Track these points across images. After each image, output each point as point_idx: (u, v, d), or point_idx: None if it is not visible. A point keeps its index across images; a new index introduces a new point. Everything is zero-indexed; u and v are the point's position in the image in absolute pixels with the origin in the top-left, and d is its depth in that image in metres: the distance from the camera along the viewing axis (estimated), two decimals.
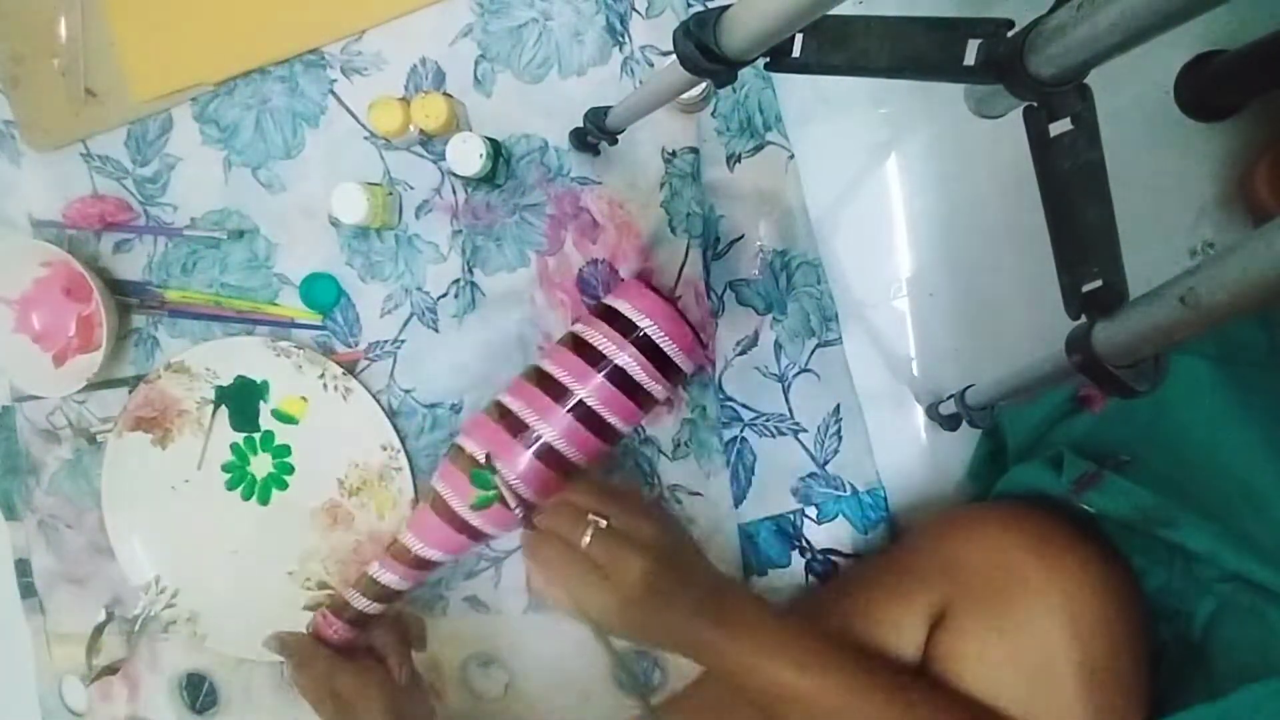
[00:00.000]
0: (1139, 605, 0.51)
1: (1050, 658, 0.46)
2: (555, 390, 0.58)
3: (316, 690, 0.60)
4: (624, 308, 0.58)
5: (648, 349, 0.57)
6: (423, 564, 0.61)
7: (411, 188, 0.70)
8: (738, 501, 0.68)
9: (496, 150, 0.66)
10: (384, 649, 0.63)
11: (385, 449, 0.71)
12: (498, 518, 0.58)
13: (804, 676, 0.46)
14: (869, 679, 0.46)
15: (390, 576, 0.61)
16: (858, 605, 0.55)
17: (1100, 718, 0.46)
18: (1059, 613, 0.47)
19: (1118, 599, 0.49)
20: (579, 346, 0.59)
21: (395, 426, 0.71)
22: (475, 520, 0.59)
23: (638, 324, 0.57)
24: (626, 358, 0.57)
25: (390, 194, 0.70)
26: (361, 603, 0.62)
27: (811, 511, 0.68)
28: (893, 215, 0.68)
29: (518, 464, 0.57)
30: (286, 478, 0.74)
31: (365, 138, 0.71)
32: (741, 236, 0.67)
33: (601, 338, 0.58)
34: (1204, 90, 0.61)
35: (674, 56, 0.42)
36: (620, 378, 0.57)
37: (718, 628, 0.47)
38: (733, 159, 0.67)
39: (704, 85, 0.61)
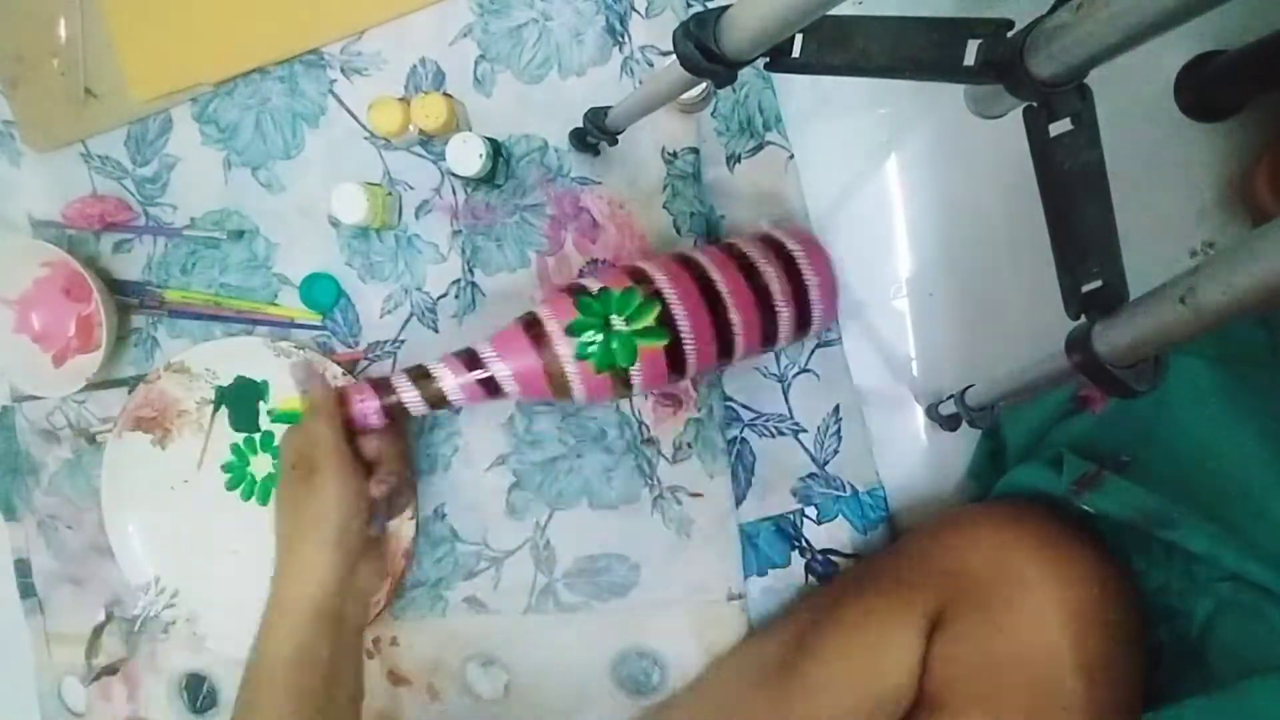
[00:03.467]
0: (1137, 604, 0.51)
1: (1050, 658, 0.46)
2: (699, 275, 0.55)
3: (299, 448, 0.56)
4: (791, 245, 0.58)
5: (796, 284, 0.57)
6: (488, 386, 0.55)
7: (411, 188, 0.70)
8: (738, 502, 0.68)
9: (496, 150, 0.66)
10: (378, 457, 0.58)
11: None
12: (589, 380, 0.54)
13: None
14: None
15: (450, 380, 0.55)
16: (857, 608, 0.55)
17: (1099, 717, 0.46)
18: (1058, 613, 0.47)
19: (1116, 598, 0.49)
20: (731, 251, 0.57)
21: None
22: (570, 368, 0.54)
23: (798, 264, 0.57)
24: (774, 273, 0.56)
25: (390, 194, 0.70)
26: (407, 392, 0.56)
27: (811, 512, 0.68)
28: (893, 215, 0.68)
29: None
30: None
31: (365, 138, 0.71)
32: None
33: (757, 253, 0.57)
34: (1204, 90, 0.61)
35: (674, 56, 0.42)
36: (762, 291, 0.56)
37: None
38: (733, 159, 0.67)
39: (704, 85, 0.61)
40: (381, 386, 0.56)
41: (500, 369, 0.55)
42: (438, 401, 0.56)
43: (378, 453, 0.58)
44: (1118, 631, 0.48)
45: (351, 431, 0.57)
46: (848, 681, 0.52)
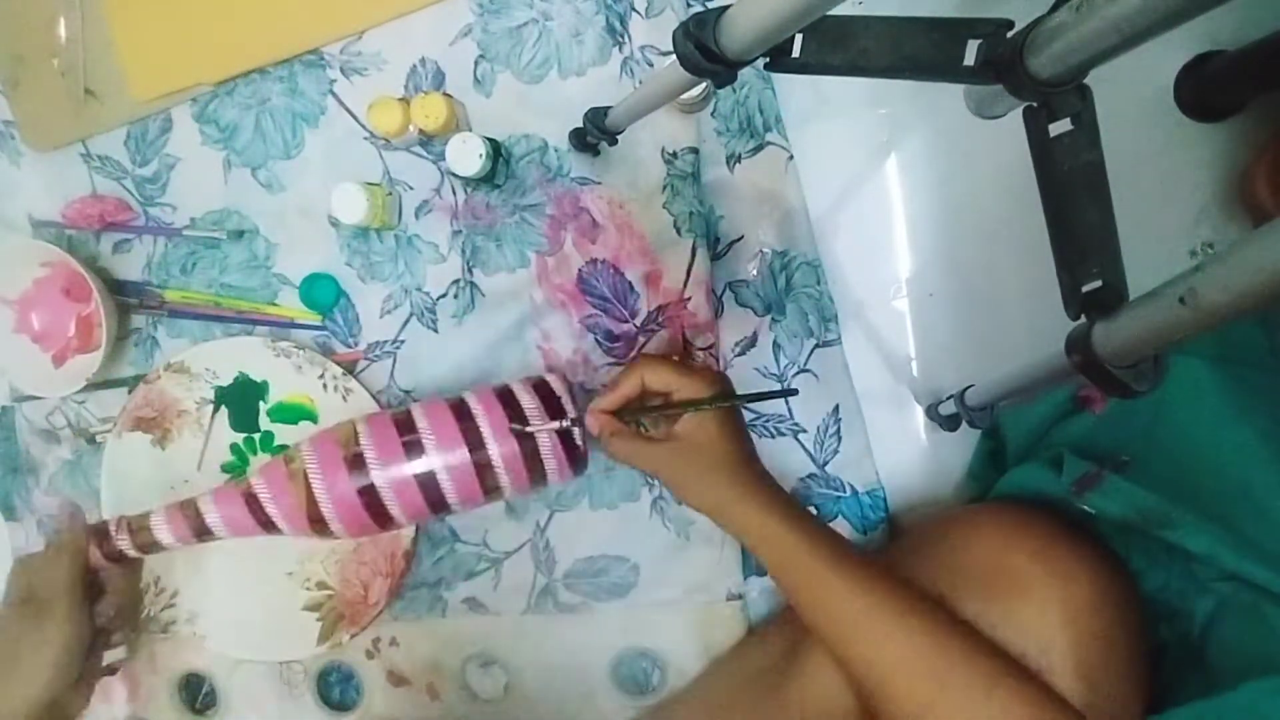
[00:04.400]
0: (1137, 606, 0.51)
1: (1050, 660, 0.46)
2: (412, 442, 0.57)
3: (32, 585, 0.56)
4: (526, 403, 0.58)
5: (528, 451, 0.57)
6: (202, 532, 0.59)
7: (411, 188, 0.70)
8: None
9: (496, 150, 0.66)
10: (109, 589, 0.60)
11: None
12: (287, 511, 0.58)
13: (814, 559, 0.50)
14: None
15: (165, 532, 0.59)
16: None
17: (1098, 718, 0.46)
18: (1058, 613, 0.47)
19: (1117, 600, 0.49)
20: (461, 415, 0.58)
21: None
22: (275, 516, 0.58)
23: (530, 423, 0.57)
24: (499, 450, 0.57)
25: (390, 194, 0.70)
26: (124, 543, 0.59)
27: (811, 512, 0.68)
28: (893, 215, 0.68)
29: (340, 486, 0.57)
30: None
31: (365, 138, 0.71)
32: (741, 237, 0.67)
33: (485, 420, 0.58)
34: (1204, 90, 0.61)
35: (674, 56, 0.42)
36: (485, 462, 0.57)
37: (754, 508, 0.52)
38: (733, 159, 0.67)
39: (704, 85, 0.61)
40: (138, 525, 0.59)
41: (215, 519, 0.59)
42: (148, 548, 0.59)
43: (109, 605, 0.60)
44: (1118, 632, 0.48)
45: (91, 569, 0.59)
46: (843, 679, 0.52)
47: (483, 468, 0.57)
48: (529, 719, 0.72)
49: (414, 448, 0.57)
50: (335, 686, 0.77)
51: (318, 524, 0.57)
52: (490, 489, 0.58)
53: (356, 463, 0.57)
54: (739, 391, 0.56)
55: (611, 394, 0.56)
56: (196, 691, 0.79)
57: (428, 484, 0.57)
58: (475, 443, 0.57)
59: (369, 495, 0.57)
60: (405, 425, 0.58)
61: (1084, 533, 0.52)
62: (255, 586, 0.74)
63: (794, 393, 0.66)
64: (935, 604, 0.49)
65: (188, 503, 0.60)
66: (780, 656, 0.59)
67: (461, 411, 0.58)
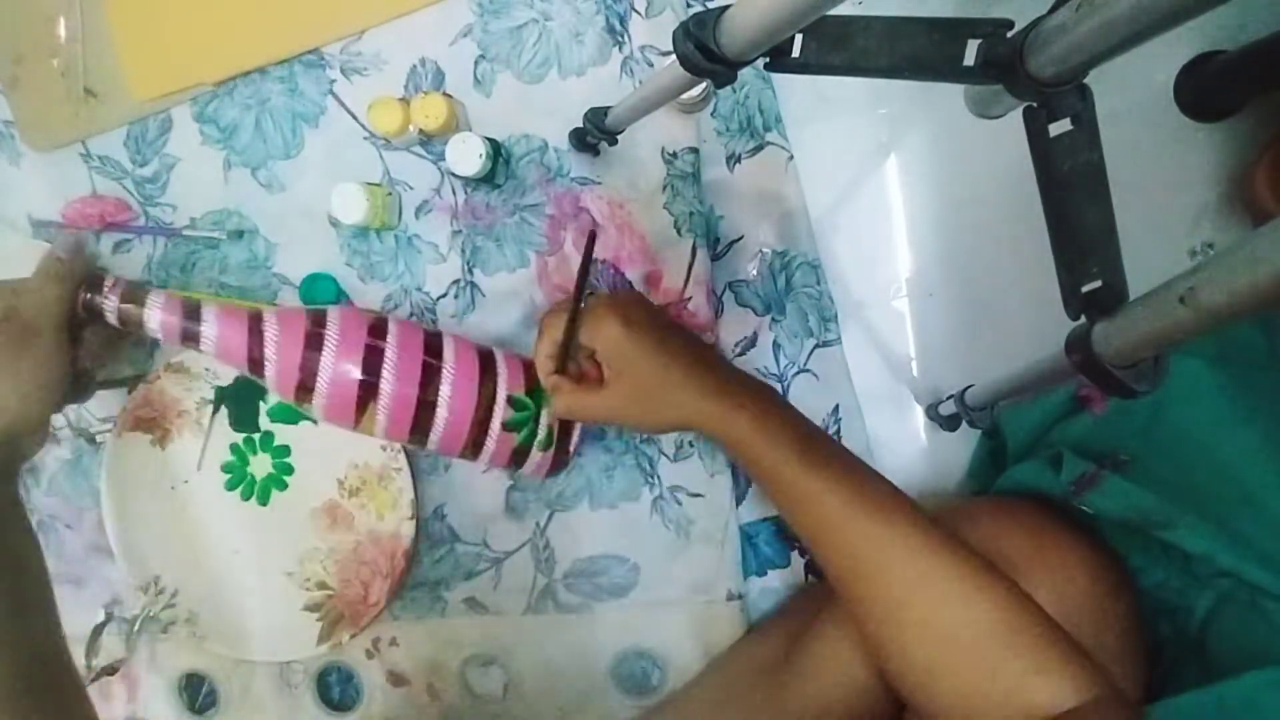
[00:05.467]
0: (1131, 595, 0.51)
1: None
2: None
3: (12, 304, 0.54)
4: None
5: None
6: (190, 336, 0.57)
7: (411, 188, 0.70)
8: (737, 502, 0.68)
9: (496, 150, 0.66)
10: (90, 339, 0.59)
11: (385, 449, 0.71)
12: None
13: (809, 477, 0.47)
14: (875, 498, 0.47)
15: (156, 319, 0.57)
16: (845, 612, 0.55)
17: None
18: (1052, 602, 0.47)
19: (1110, 588, 0.49)
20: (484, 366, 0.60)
21: None
22: (267, 330, 0.57)
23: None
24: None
25: (390, 194, 0.70)
26: (110, 303, 0.57)
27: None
28: (892, 215, 0.68)
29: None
30: (286, 478, 0.74)
31: (365, 138, 0.71)
32: (741, 237, 0.67)
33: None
34: (1204, 90, 0.61)
35: (674, 56, 0.42)
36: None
37: (726, 406, 0.50)
38: (733, 159, 0.67)
39: (704, 85, 0.61)
40: (132, 294, 0.57)
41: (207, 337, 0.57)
42: (132, 321, 0.57)
43: (90, 337, 0.59)
44: (1111, 620, 0.48)
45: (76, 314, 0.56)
46: (842, 673, 0.52)
47: (480, 420, 0.58)
48: (529, 719, 0.72)
49: (431, 372, 0.58)
50: (335, 687, 0.77)
51: (303, 391, 0.57)
52: (476, 444, 0.59)
53: (372, 355, 0.57)
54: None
55: (540, 357, 0.56)
56: (196, 691, 0.79)
57: (424, 409, 0.58)
58: (487, 399, 0.58)
59: (366, 390, 0.57)
60: (432, 349, 0.59)
61: (1076, 526, 0.52)
62: (255, 586, 0.74)
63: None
64: (911, 507, 0.47)
65: (192, 299, 0.58)
66: (780, 653, 0.59)
67: (485, 362, 0.59)
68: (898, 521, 0.45)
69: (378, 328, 0.59)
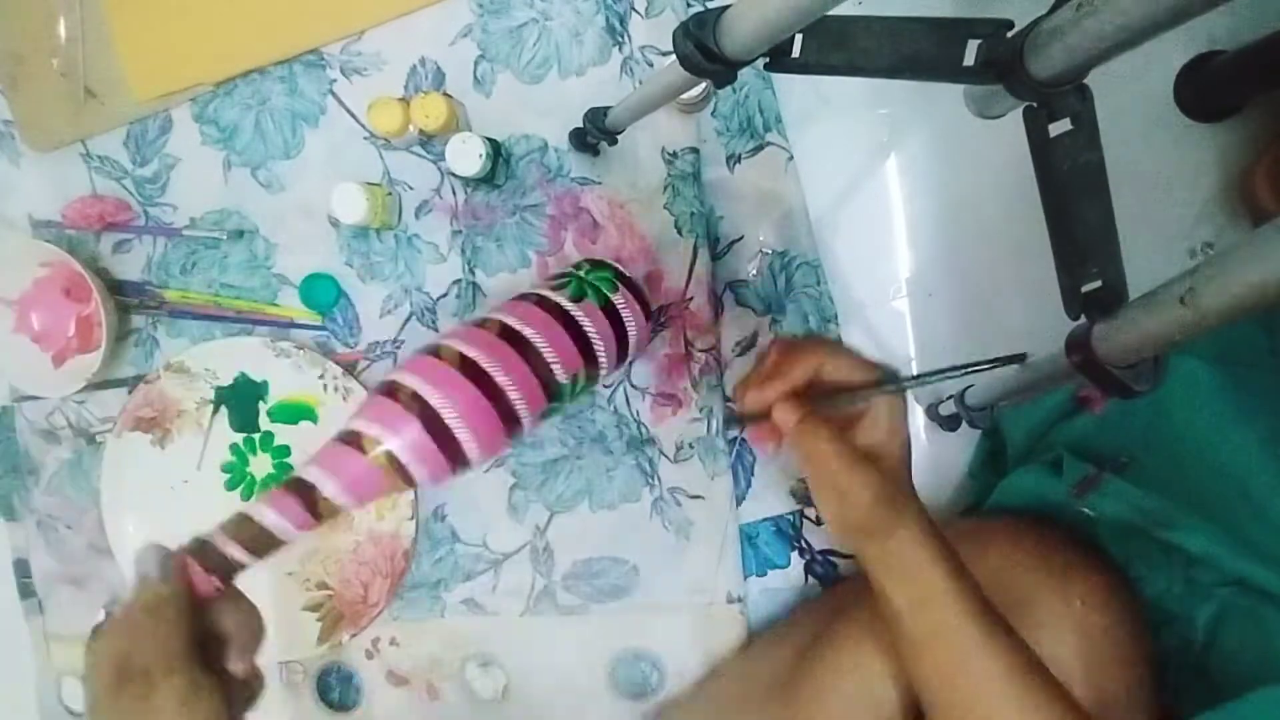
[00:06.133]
0: (1141, 616, 0.50)
1: (1061, 674, 0.46)
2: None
3: (127, 658, 0.41)
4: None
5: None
6: (327, 513, 0.48)
7: (411, 188, 0.70)
8: (738, 502, 0.68)
9: (496, 150, 0.66)
10: (229, 631, 0.44)
11: None
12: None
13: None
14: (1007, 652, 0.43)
15: (275, 520, 0.46)
16: (859, 620, 0.54)
17: None
18: (1066, 630, 0.47)
19: (1122, 612, 0.49)
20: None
21: None
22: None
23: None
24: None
25: (390, 194, 0.70)
26: (233, 549, 0.45)
27: (811, 512, 0.68)
28: (893, 215, 0.68)
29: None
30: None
31: (365, 138, 0.71)
32: (741, 237, 0.67)
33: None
34: (1204, 90, 0.61)
35: (674, 56, 0.42)
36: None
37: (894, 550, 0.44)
38: (733, 159, 0.67)
39: (704, 85, 0.61)
40: (202, 554, 0.45)
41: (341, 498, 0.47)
42: (266, 546, 0.47)
43: (229, 616, 0.44)
44: (1125, 645, 0.48)
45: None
46: (851, 694, 0.52)
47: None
48: None
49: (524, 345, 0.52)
50: (335, 687, 0.77)
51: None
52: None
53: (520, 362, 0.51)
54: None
55: (777, 380, 0.45)
56: None
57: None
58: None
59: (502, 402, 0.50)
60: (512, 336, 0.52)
61: (1086, 546, 0.52)
62: (255, 586, 0.74)
63: (1023, 358, 0.59)
64: (1050, 676, 0.43)
65: (291, 480, 0.48)
66: (792, 665, 0.58)
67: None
68: (1031, 706, 0.42)
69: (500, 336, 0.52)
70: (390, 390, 0.49)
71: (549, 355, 0.52)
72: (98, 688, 0.42)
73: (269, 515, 0.46)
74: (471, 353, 0.50)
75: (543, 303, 0.55)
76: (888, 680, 0.51)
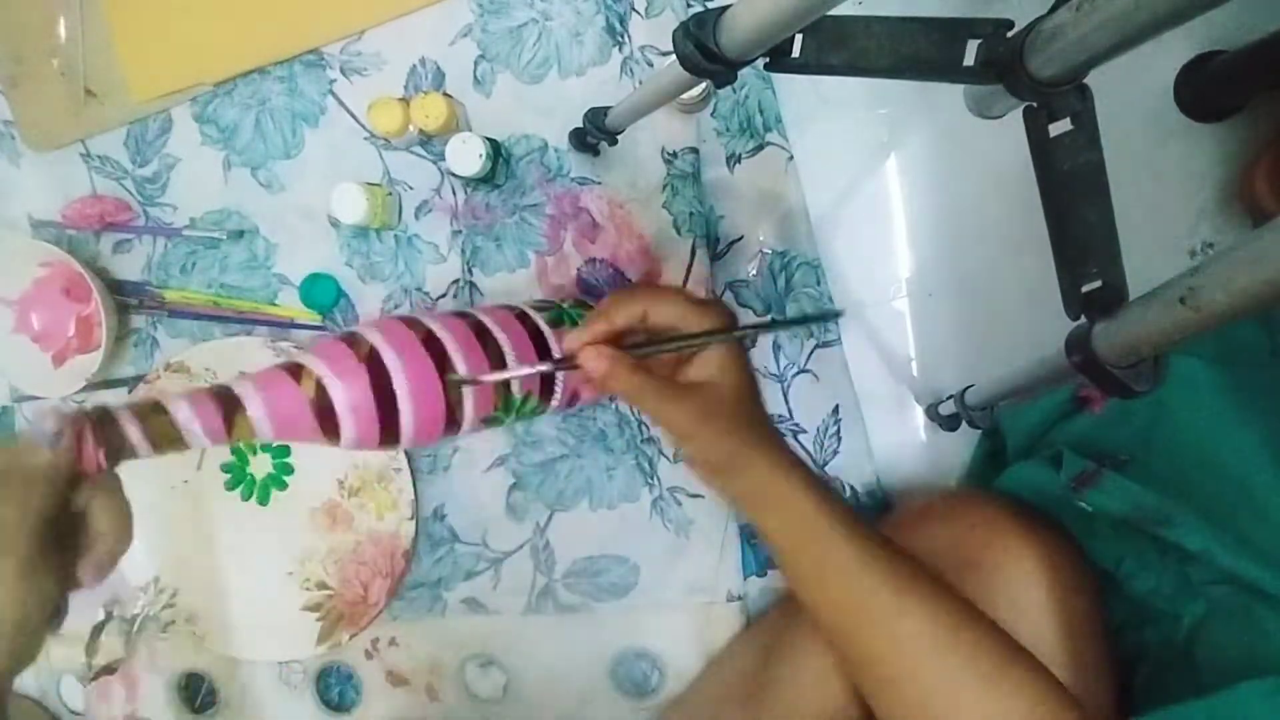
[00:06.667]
0: (1095, 590, 0.51)
1: (1032, 632, 0.47)
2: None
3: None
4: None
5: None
6: (240, 434, 0.44)
7: (411, 188, 0.70)
8: None
9: (496, 150, 0.66)
10: (95, 528, 0.39)
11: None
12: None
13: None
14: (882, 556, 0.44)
15: (188, 418, 0.42)
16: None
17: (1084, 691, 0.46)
18: (1010, 594, 0.48)
19: (1069, 577, 0.50)
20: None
21: None
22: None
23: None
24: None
25: (390, 194, 0.70)
26: (133, 431, 0.40)
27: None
28: (893, 215, 0.67)
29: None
30: (286, 478, 0.74)
31: (365, 138, 0.71)
32: (741, 237, 0.67)
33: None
34: (1204, 90, 0.61)
35: (674, 56, 0.42)
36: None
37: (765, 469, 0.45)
38: (733, 159, 0.67)
39: (704, 85, 0.61)
40: (103, 421, 0.40)
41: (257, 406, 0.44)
42: (171, 442, 0.42)
43: (100, 507, 0.40)
44: (1072, 609, 0.49)
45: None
46: (816, 685, 0.52)
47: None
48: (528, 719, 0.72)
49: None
50: (335, 687, 0.77)
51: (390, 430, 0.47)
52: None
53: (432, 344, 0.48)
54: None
55: (601, 322, 0.45)
56: (196, 691, 0.79)
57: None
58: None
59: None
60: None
61: (1033, 514, 0.52)
62: (255, 586, 0.74)
63: (839, 313, 0.56)
64: (942, 582, 0.44)
65: (218, 387, 0.45)
66: (758, 662, 0.59)
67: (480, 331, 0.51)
68: (932, 603, 0.43)
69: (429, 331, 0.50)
70: (349, 338, 0.47)
71: (511, 364, 0.50)
72: None
73: (183, 411, 0.42)
74: (440, 333, 0.49)
75: (523, 317, 0.54)
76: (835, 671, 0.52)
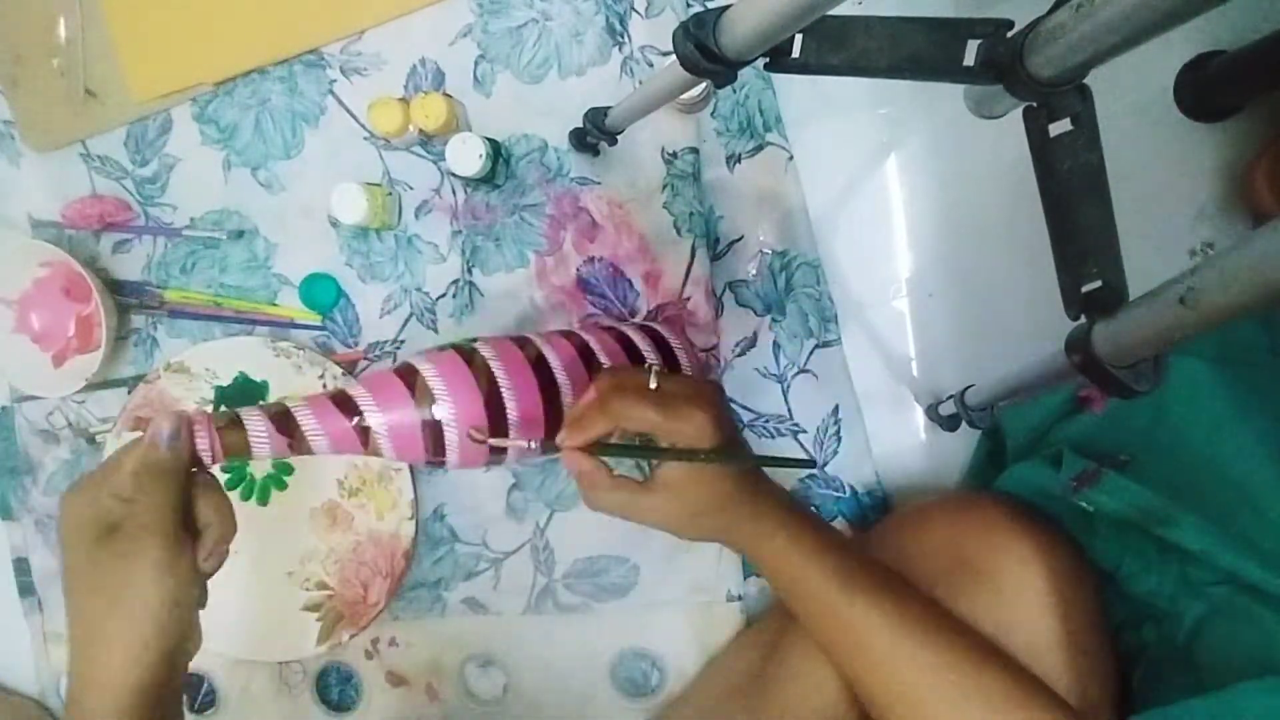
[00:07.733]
0: (1094, 586, 0.51)
1: (1013, 640, 0.47)
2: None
3: (109, 513, 0.41)
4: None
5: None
6: (367, 443, 0.47)
7: (411, 188, 0.70)
8: None
9: (496, 150, 0.66)
10: (206, 519, 0.44)
11: None
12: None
13: (851, 603, 0.46)
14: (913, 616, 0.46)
15: (319, 433, 0.46)
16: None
17: (1081, 690, 0.47)
18: (1011, 594, 0.48)
19: (1068, 575, 0.50)
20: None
21: None
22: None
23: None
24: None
25: (390, 194, 0.70)
26: (261, 427, 0.44)
27: (814, 517, 0.68)
28: (892, 215, 0.67)
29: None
30: (286, 478, 0.74)
31: (365, 138, 0.71)
32: (741, 237, 0.67)
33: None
34: (1204, 90, 0.61)
35: (674, 56, 0.42)
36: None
37: (775, 538, 0.48)
38: (733, 159, 0.67)
39: (704, 85, 0.61)
40: (229, 422, 0.44)
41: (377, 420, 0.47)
42: (294, 447, 0.46)
43: (208, 503, 0.45)
44: (1073, 607, 0.49)
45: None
46: (814, 684, 0.52)
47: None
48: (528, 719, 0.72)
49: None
50: (335, 687, 0.77)
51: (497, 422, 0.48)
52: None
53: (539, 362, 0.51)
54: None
55: (578, 434, 0.45)
56: (196, 691, 0.79)
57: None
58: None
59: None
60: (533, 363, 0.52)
61: (1031, 514, 0.52)
62: (255, 586, 0.74)
63: (811, 464, 0.65)
64: (951, 619, 0.46)
65: (281, 406, 0.47)
66: (755, 666, 0.60)
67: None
68: (944, 647, 0.45)
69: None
70: (407, 373, 0.48)
71: (567, 403, 0.51)
72: (77, 542, 0.42)
73: (310, 420, 0.46)
74: (502, 377, 0.49)
75: (621, 338, 0.56)
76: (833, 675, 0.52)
